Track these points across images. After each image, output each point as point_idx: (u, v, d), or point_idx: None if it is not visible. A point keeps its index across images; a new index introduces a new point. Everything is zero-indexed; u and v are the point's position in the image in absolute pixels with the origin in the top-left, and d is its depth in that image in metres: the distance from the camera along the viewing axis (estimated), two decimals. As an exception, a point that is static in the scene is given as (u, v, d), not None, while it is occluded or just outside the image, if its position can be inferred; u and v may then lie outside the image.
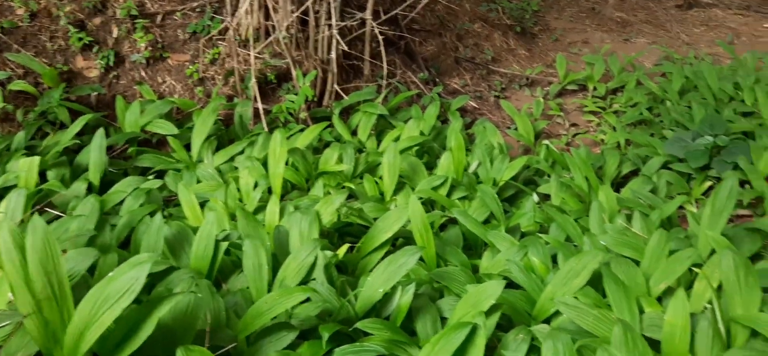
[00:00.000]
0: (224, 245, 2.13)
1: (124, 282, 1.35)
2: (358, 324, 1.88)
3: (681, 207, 3.15)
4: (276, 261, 2.24)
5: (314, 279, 2.12)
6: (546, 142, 3.91)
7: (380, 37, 3.90)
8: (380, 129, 3.92)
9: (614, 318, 1.86)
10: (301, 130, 3.56)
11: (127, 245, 2.33)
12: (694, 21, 7.11)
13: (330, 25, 3.78)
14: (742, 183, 3.35)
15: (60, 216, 2.37)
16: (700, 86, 4.55)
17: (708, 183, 3.41)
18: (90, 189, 2.70)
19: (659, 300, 2.14)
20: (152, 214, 2.20)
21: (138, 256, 1.39)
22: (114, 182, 2.81)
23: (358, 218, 2.71)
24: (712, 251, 2.30)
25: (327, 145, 3.58)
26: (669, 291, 2.14)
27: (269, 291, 2.06)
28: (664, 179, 3.38)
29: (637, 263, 2.32)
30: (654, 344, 1.80)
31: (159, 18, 4.07)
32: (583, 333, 1.90)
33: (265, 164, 3.12)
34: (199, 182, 3.01)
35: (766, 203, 2.73)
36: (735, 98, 4.35)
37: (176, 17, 4.11)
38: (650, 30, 6.77)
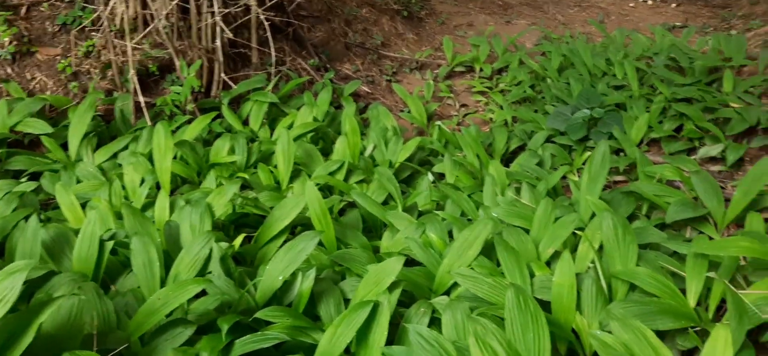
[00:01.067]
0: (109, 244, 2.00)
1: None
2: (258, 314, 1.83)
3: (564, 177, 3.33)
4: (168, 258, 2.14)
5: (210, 273, 2.05)
6: (438, 123, 4.01)
7: (267, 24, 3.81)
8: (273, 117, 3.85)
9: (507, 283, 1.93)
10: (189, 122, 3.42)
11: (0, 254, 2.14)
12: (569, 2, 7.53)
13: (213, 13, 3.64)
14: (618, 151, 3.60)
15: None
16: (576, 63, 4.83)
17: (587, 153, 3.62)
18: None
19: (548, 264, 2.25)
20: (27, 218, 2.03)
21: (13, 264, 1.28)
22: (-19, 188, 2.57)
23: (254, 208, 2.64)
24: (593, 215, 2.45)
25: (218, 136, 3.47)
26: (556, 255, 2.26)
27: (162, 287, 1.97)
28: (548, 152, 3.56)
29: (527, 231, 2.43)
30: (545, 305, 1.89)
31: (23, 10, 3.75)
32: (480, 301, 1.96)
33: (151, 159, 2.97)
34: (79, 182, 2.81)
35: (639, 168, 2.94)
36: (607, 73, 4.65)
37: (43, 8, 3.80)
38: (529, 12, 7.10)
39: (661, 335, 1.80)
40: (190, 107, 3.66)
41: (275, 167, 3.18)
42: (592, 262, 2.01)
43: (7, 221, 2.19)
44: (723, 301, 1.83)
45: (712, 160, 3.27)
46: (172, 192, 2.77)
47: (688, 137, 3.50)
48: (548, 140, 3.89)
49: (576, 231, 2.36)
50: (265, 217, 2.64)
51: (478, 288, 1.93)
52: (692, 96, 3.80)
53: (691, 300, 1.82)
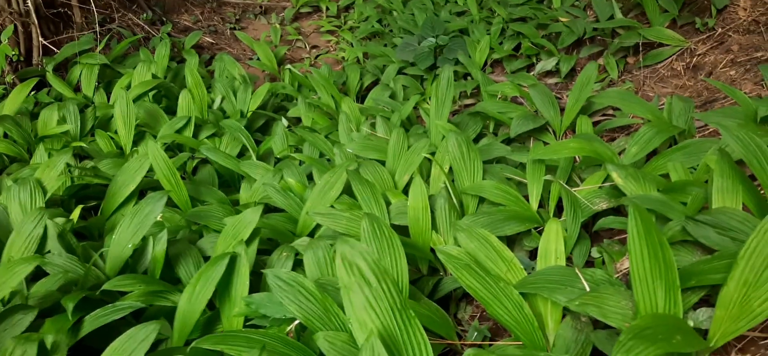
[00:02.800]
0: None
1: None
2: (107, 285, 1.72)
3: (416, 107, 3.41)
4: (-1, 244, 1.94)
5: (49, 252, 1.88)
6: (289, 67, 3.93)
7: (87, -22, 3.49)
8: (108, 80, 3.57)
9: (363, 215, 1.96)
10: (5, 94, 3.08)
11: None
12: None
13: (20, -31, 3.27)
14: (465, 75, 3.74)
15: None
16: (419, -6, 4.91)
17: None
18: None
19: (405, 191, 2.31)
20: None
21: None
22: None
23: (93, 177, 2.45)
24: (443, 138, 2.54)
25: (47, 106, 3.15)
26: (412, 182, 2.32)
27: (-6, 276, 1.78)
28: (400, 84, 3.62)
29: (383, 163, 2.46)
30: (403, 229, 1.94)
31: None
32: (341, 236, 1.97)
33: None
34: None
35: (482, 89, 3.07)
36: (449, 1, 4.77)
37: None
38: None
39: (510, 240, 1.92)
40: (9, 78, 3.29)
41: (115, 132, 2.97)
42: (444, 182, 2.09)
43: None
44: (561, 200, 1.98)
45: (549, 73, 3.49)
46: (-2, 173, 2.50)
47: (526, 54, 3.70)
48: (400, 71, 3.96)
49: (429, 157, 2.43)
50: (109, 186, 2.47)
51: (337, 224, 1.94)
52: (526, 15, 4.01)
53: (534, 204, 1.95)
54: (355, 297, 1.16)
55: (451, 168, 2.21)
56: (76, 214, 2.09)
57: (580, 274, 1.30)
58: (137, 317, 1.81)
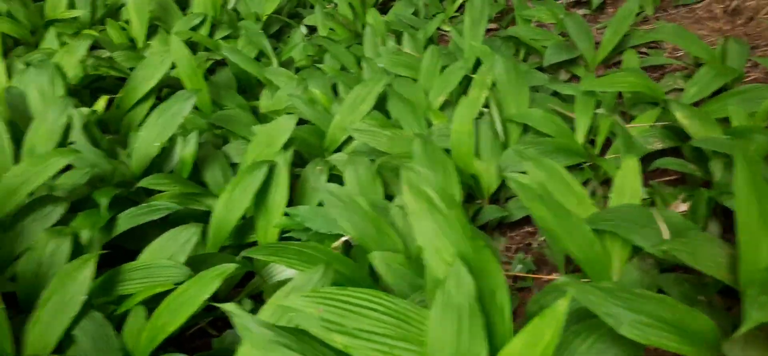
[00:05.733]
0: (-61, 117, 1.65)
1: None
2: (141, 182, 1.64)
3: (438, 27, 3.29)
4: (17, 130, 1.82)
5: (73, 143, 1.78)
6: (304, -29, 3.73)
7: None
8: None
9: (406, 135, 1.89)
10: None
11: None
12: None
13: None
14: None
15: None
16: None
17: (459, 1, 3.59)
18: None
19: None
20: None
21: None
22: None
23: (109, 68, 2.32)
24: (477, 61, 2.44)
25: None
26: (446, 104, 2.24)
27: (17, 163, 1.68)
28: (422, 1, 3.47)
29: (414, 81, 2.37)
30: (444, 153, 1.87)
31: None
32: (379, 153, 1.90)
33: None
34: None
35: (517, 12, 2.95)
36: None
37: None
38: None
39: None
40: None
41: (127, 22, 2.81)
42: (485, 106, 2.01)
43: None
44: (607, 137, 1.92)
45: (578, 3, 3.37)
46: (4, 55, 2.34)
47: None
48: (417, -11, 3.80)
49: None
50: (125, 79, 2.34)
51: (376, 142, 1.87)
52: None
53: (580, 137, 1.89)
54: (426, 224, 1.10)
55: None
56: (100, 105, 1.98)
57: (658, 216, 1.26)
58: (164, 219, 1.74)
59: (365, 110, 2.12)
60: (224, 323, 1.63)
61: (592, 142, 1.99)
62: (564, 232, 1.24)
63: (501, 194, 1.93)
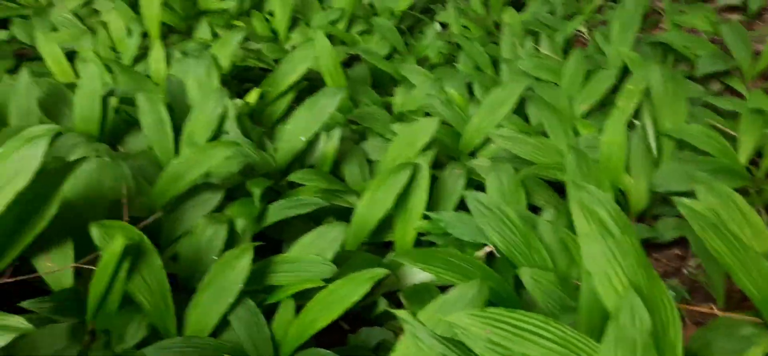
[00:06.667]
0: (114, 101, 1.78)
1: (17, 161, 1.04)
2: (290, 177, 1.69)
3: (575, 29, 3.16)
4: (174, 116, 1.94)
5: (226, 133, 1.87)
6: (439, -34, 3.71)
7: None
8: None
9: (553, 144, 1.82)
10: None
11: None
12: None
13: None
14: None
15: None
16: None
17: (598, 2, 3.43)
18: None
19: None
20: (11, 71, 1.77)
21: (32, 129, 1.08)
22: (-55, 37, 2.26)
23: (257, 60, 2.42)
24: (624, 68, 2.32)
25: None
26: (591, 113, 2.15)
27: (176, 150, 1.79)
28: (559, 0, 3.34)
29: (556, 86, 2.29)
30: (590, 165, 1.79)
31: None
32: (521, 161, 1.85)
33: (131, 5, 2.66)
34: (55, 30, 2.51)
35: (668, 17, 2.77)
36: None
37: None
38: None
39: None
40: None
41: (271, 14, 2.91)
42: (636, 118, 1.90)
43: (-14, 75, 1.93)
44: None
45: (732, 8, 3.12)
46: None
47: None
48: (555, -13, 3.67)
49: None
50: (268, 71, 2.43)
51: (519, 149, 1.81)
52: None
53: (743, 158, 1.74)
54: (596, 247, 1.05)
55: (641, 104, 2.01)
56: (252, 97, 2.07)
57: None
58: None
59: (504, 113, 2.07)
60: (356, 318, 1.66)
61: (754, 162, 1.84)
62: (740, 267, 1.14)
63: (648, 212, 1.82)
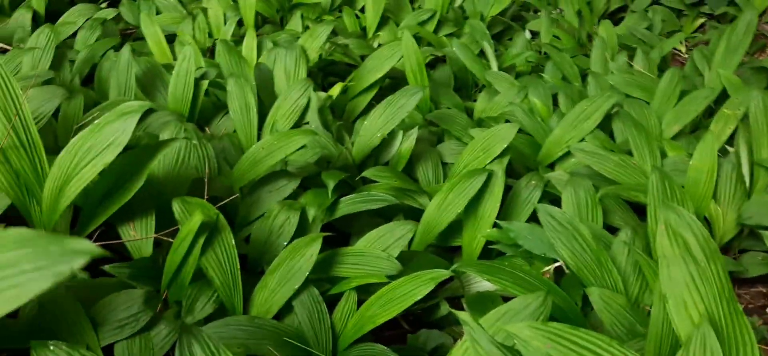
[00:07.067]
0: (204, 84, 1.87)
1: (110, 133, 1.12)
2: (365, 173, 1.71)
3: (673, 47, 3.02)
4: (260, 103, 2.01)
5: (307, 123, 1.92)
6: (535, -27, 3.65)
7: None
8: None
9: (637, 163, 1.75)
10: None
11: (87, 83, 2.04)
12: None
13: None
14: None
15: (5, 50, 2.02)
16: None
17: (700, 20, 3.27)
18: (36, 19, 2.33)
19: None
20: (116, 49, 1.90)
21: (126, 104, 1.15)
22: (61, 12, 2.43)
23: (343, 55, 2.46)
24: (722, 92, 2.20)
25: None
26: (680, 134, 2.05)
27: (259, 135, 1.85)
28: (659, 16, 3.21)
29: (647, 104, 2.20)
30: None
31: None
32: (601, 178, 1.79)
33: (231, -6, 2.78)
34: (158, 13, 2.65)
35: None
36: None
37: None
38: None
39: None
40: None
41: (361, 11, 2.96)
42: (730, 145, 1.80)
43: (93, 49, 2.07)
44: None
45: None
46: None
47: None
48: (655, 1, 3.52)
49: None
50: (354, 67, 2.47)
51: (601, 166, 1.75)
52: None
53: None
54: (677, 271, 1.00)
55: (736, 130, 1.90)
56: (336, 90, 2.11)
57: None
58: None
59: (589, 127, 2.01)
60: (416, 318, 1.66)
61: None
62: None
63: (734, 245, 1.72)
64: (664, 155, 1.85)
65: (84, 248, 0.67)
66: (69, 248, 0.68)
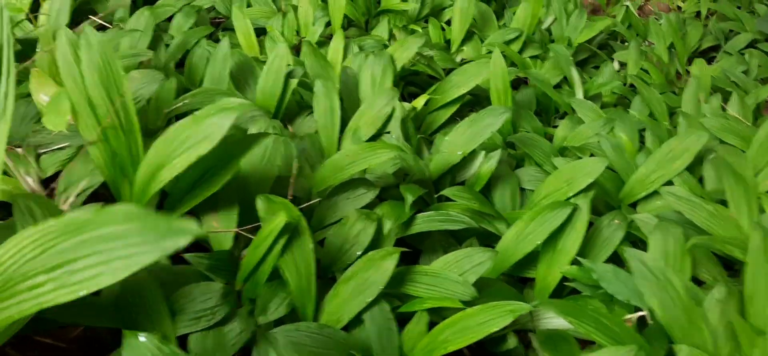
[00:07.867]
0: (293, 82, 1.88)
1: (207, 126, 1.13)
2: (445, 191, 1.68)
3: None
4: (342, 107, 2.01)
5: (388, 133, 1.90)
6: (627, 2, 3.54)
7: None
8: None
9: (732, 215, 1.66)
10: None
11: (177, 68, 2.09)
12: None
13: None
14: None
15: (104, 27, 2.09)
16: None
17: (803, 69, 3.09)
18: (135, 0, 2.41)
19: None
20: (210, 37, 1.93)
21: (226, 100, 1.16)
22: (157, -5, 2.50)
23: (427, 66, 2.44)
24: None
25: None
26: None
27: (339, 139, 1.85)
28: (756, 60, 3.05)
29: (742, 152, 2.08)
30: None
31: None
32: (690, 225, 1.70)
33: (320, -5, 2.80)
34: (249, 6, 2.70)
35: None
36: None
37: None
38: None
39: None
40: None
41: (447, 23, 2.93)
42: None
43: (188, 36, 2.12)
44: None
45: None
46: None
47: None
48: (751, 44, 3.36)
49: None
50: (436, 79, 2.45)
51: (693, 213, 1.67)
52: None
53: None
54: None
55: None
56: (420, 102, 2.09)
57: None
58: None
59: (677, 168, 1.93)
60: (481, 346, 1.61)
61: None
62: None
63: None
64: (762, 210, 1.74)
65: (189, 228, 0.68)
66: (175, 227, 0.69)
